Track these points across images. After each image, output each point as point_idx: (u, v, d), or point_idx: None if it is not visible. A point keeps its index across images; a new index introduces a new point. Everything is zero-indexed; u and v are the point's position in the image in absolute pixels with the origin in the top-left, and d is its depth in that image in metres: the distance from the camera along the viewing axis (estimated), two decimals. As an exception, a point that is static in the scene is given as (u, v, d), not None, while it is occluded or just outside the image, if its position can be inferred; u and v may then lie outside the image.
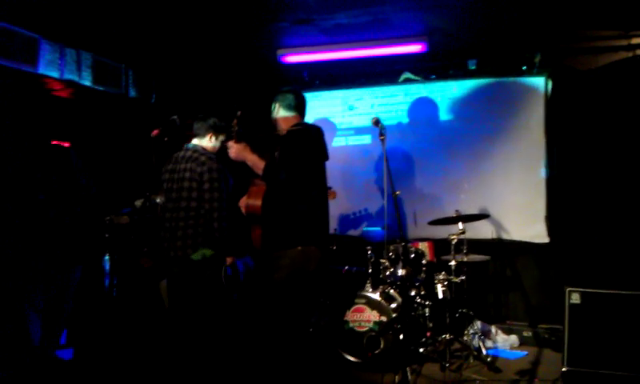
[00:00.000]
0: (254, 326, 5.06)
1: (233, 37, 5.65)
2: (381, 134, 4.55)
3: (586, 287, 4.47)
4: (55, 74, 5.28)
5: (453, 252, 5.18)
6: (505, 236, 5.98)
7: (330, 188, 4.43)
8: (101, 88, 5.77)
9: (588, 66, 5.80)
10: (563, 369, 4.46)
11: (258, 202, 4.07)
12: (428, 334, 5.14)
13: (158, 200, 4.38)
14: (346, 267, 5.77)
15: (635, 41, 5.53)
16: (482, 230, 5.84)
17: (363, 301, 5.00)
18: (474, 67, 6.15)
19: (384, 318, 4.89)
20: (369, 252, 5.34)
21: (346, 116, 6.69)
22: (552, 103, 5.90)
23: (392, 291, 5.14)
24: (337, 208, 6.02)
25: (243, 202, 4.25)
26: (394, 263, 5.29)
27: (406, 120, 6.44)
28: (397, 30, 5.51)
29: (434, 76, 6.38)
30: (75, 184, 4.61)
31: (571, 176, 5.80)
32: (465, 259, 5.20)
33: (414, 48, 5.75)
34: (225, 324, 4.63)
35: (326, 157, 4.04)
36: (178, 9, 4.89)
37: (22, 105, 5.02)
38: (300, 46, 5.94)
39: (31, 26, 4.96)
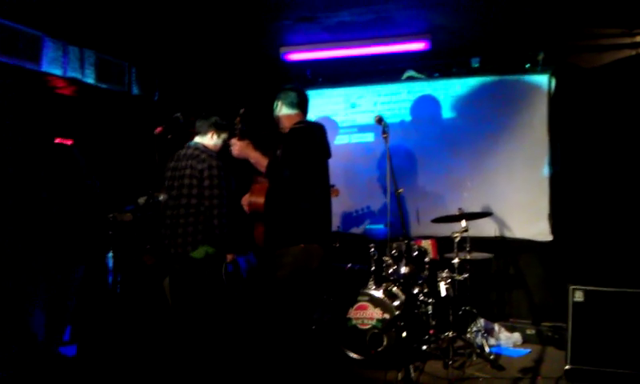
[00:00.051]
0: (257, 324, 5.06)
1: (236, 34, 5.65)
2: (384, 132, 4.56)
3: (590, 285, 4.47)
4: (58, 72, 5.29)
5: (456, 250, 5.17)
6: (508, 234, 5.97)
7: (332, 186, 4.43)
8: (104, 86, 5.78)
9: (592, 64, 5.79)
10: (566, 367, 4.46)
11: (261, 200, 4.07)
12: (431, 331, 5.13)
13: (161, 197, 4.39)
14: (349, 265, 5.77)
15: (639, 39, 5.52)
16: (485, 228, 5.83)
17: (366, 298, 5.00)
18: (477, 65, 6.14)
19: (387, 316, 4.89)
20: (372, 250, 5.33)
21: (348, 114, 6.69)
22: (555, 101, 5.88)
23: (395, 289, 5.14)
24: (339, 206, 6.02)
25: (246, 199, 4.25)
26: (396, 261, 5.29)
27: (408, 118, 6.44)
28: (400, 28, 5.51)
29: (437, 74, 6.37)
30: (78, 183, 4.62)
31: (575, 174, 5.79)
32: (468, 257, 5.19)
33: (417, 46, 5.74)
34: (226, 321, 4.64)
35: (328, 154, 4.05)
36: (181, 6, 4.89)
37: (26, 103, 5.02)
38: (303, 44, 5.94)
39: (34, 23, 4.97)
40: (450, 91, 6.29)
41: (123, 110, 6.10)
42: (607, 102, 5.65)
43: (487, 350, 5.01)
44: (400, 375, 4.38)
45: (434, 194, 6.24)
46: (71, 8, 4.82)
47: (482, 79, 6.18)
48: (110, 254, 5.01)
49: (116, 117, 6.01)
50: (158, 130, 4.24)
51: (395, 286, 5.18)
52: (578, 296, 4.48)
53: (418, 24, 5.42)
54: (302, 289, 3.88)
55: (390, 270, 5.27)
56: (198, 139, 4.52)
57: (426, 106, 6.37)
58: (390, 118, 6.20)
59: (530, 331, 5.59)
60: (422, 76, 6.40)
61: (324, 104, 6.72)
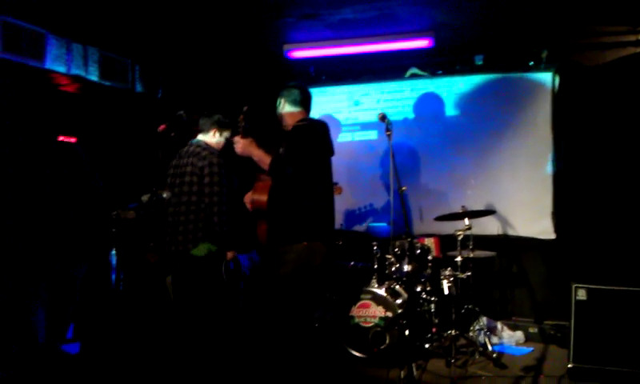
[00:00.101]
0: (260, 321, 5.07)
1: (239, 32, 5.65)
2: (387, 130, 4.55)
3: (593, 284, 4.47)
4: (62, 69, 5.30)
5: (459, 248, 5.17)
6: (511, 232, 5.96)
7: (335, 183, 4.43)
8: (107, 83, 5.79)
9: (595, 62, 5.78)
10: (569, 365, 4.46)
11: (264, 198, 4.07)
12: (434, 329, 5.13)
13: (164, 195, 4.39)
14: (352, 263, 5.77)
15: (643, 36, 5.51)
16: (489, 226, 5.83)
17: (369, 296, 5.00)
18: (480, 63, 6.13)
19: (390, 314, 4.89)
20: (374, 247, 5.33)
21: (352, 111, 6.68)
22: (559, 99, 5.87)
23: (398, 287, 5.14)
24: (342, 203, 6.02)
25: (248, 197, 4.25)
26: (399, 259, 5.29)
27: (412, 115, 6.43)
28: (403, 25, 5.50)
29: (440, 71, 6.36)
30: (81, 181, 4.62)
31: (578, 172, 5.78)
32: (471, 255, 5.19)
33: (420, 43, 5.74)
34: (228, 318, 4.64)
35: (331, 152, 4.04)
36: (185, 4, 4.89)
37: (29, 100, 5.03)
38: (306, 42, 5.94)
39: (38, 21, 4.98)
40: (453, 89, 6.28)
41: (127, 108, 6.11)
42: (611, 99, 5.64)
43: (490, 348, 5.01)
44: (402, 373, 4.38)
45: (437, 192, 6.24)
46: (75, 5, 4.83)
47: (486, 77, 6.17)
48: (114, 252, 5.03)
49: (119, 114, 6.02)
50: (162, 127, 4.24)
51: (398, 284, 5.17)
52: (581, 294, 4.47)
53: (421, 21, 5.42)
54: (305, 286, 3.88)
55: (393, 268, 5.27)
56: (200, 137, 4.54)
57: (429, 104, 6.36)
58: (394, 116, 6.20)
59: (533, 329, 5.59)
60: (426, 73, 6.39)
61: (327, 101, 6.72)
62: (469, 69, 6.20)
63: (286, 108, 4.09)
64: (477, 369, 4.73)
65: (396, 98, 6.51)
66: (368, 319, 4.97)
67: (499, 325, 5.62)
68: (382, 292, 4.98)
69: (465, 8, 5.02)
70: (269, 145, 4.04)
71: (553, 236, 5.82)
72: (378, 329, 4.91)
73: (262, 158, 3.92)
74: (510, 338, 5.48)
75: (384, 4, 4.94)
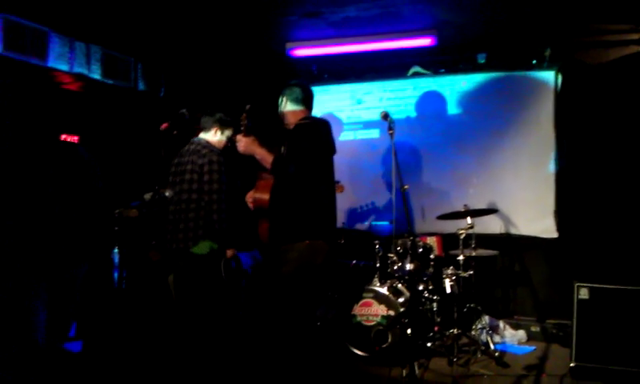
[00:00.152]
0: (262, 320, 5.07)
1: (242, 30, 5.65)
2: (390, 128, 4.55)
3: (595, 282, 4.47)
4: (65, 68, 5.31)
5: (461, 246, 5.17)
6: (513, 231, 5.96)
7: (337, 182, 4.43)
8: (110, 81, 5.79)
9: (598, 60, 5.77)
10: (571, 364, 4.46)
11: (266, 196, 4.07)
12: (436, 328, 5.13)
13: (167, 194, 4.39)
14: (354, 261, 5.77)
15: (646, 35, 5.50)
16: (491, 225, 5.83)
17: (371, 295, 5.00)
18: (483, 61, 6.12)
19: (392, 313, 4.89)
20: (377, 246, 5.34)
21: (354, 110, 6.68)
22: (562, 97, 5.87)
23: (400, 285, 5.14)
24: (344, 202, 6.02)
25: (250, 195, 4.25)
26: (401, 257, 5.29)
27: (414, 114, 6.43)
28: (406, 24, 5.50)
29: (443, 70, 6.35)
30: (84, 182, 4.63)
31: (581, 171, 5.77)
32: (473, 254, 5.19)
33: (423, 42, 5.73)
34: (230, 317, 4.64)
35: (333, 151, 4.04)
36: (187, 2, 4.89)
37: (32, 98, 5.03)
38: (309, 40, 5.94)
39: (41, 19, 4.98)
40: (456, 87, 6.28)
41: (129, 106, 6.11)
42: (614, 98, 5.63)
43: (492, 347, 5.01)
44: (404, 372, 4.38)
45: (439, 191, 6.23)
46: (77, 3, 4.83)
47: (489, 75, 6.16)
48: (116, 250, 5.03)
49: (122, 113, 6.02)
50: (164, 125, 4.24)
51: (400, 282, 5.18)
52: (583, 293, 4.47)
53: (424, 19, 5.41)
54: (307, 285, 3.88)
55: (395, 267, 5.27)
56: (202, 135, 4.56)
57: (431, 102, 6.36)
58: (396, 114, 6.20)
59: (535, 328, 5.58)
60: (428, 72, 6.39)
61: (330, 100, 6.72)
62: (471, 67, 6.20)
63: (288, 106, 4.08)
64: (479, 367, 4.73)
65: (398, 97, 6.50)
66: (370, 318, 4.97)
67: (501, 324, 5.61)
68: (384, 291, 4.98)
69: (467, 6, 5.02)
70: (271, 143, 4.04)
71: (555, 235, 5.81)
72: (380, 327, 4.91)
73: (265, 156, 3.91)
74: (512, 337, 5.48)
75: (387, 2, 4.94)
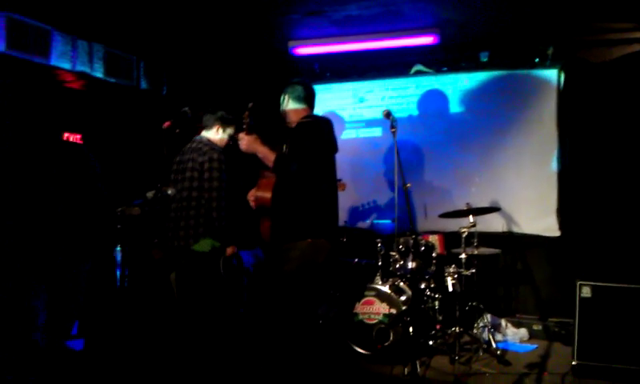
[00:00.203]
0: (264, 318, 5.08)
1: (244, 29, 5.65)
2: (392, 127, 4.54)
3: (597, 281, 4.46)
4: (67, 66, 5.31)
5: (463, 245, 5.17)
6: (516, 229, 5.95)
7: (339, 180, 4.43)
8: (112, 80, 5.80)
9: (601, 59, 5.75)
10: (573, 362, 4.46)
11: (268, 195, 4.07)
12: (438, 326, 5.14)
13: (169, 192, 4.40)
14: (356, 259, 5.77)
15: (649, 33, 5.48)
16: (493, 223, 5.82)
17: (373, 293, 5.01)
18: (485, 59, 6.12)
19: (394, 311, 4.89)
20: (379, 244, 5.33)
21: (356, 108, 6.68)
22: (564, 96, 5.85)
23: (402, 284, 5.14)
24: (346, 200, 6.01)
25: (252, 194, 4.26)
26: (403, 256, 5.28)
27: (416, 112, 6.42)
28: (408, 22, 5.49)
29: (445, 68, 6.35)
30: (87, 181, 4.64)
31: (583, 169, 5.76)
32: (475, 252, 5.18)
33: (425, 40, 5.73)
34: (232, 315, 4.65)
35: (335, 149, 4.04)
36: (190, 1, 4.90)
37: (34, 96, 5.05)
38: (311, 38, 5.94)
39: (44, 17, 4.99)
40: (458, 86, 6.27)
41: (131, 105, 6.12)
42: (617, 96, 5.62)
43: (494, 345, 5.01)
44: (406, 370, 4.39)
45: (441, 189, 6.23)
46: (80, 2, 4.84)
47: (491, 74, 6.16)
48: (118, 248, 5.04)
49: (124, 111, 6.02)
50: (166, 124, 4.24)
51: (402, 281, 5.18)
52: (586, 292, 4.47)
53: (426, 18, 5.40)
54: (309, 283, 3.88)
55: (397, 265, 5.26)
56: (204, 133, 4.57)
57: (434, 101, 6.36)
58: (398, 113, 6.19)
59: (537, 327, 5.58)
60: (431, 70, 6.38)
61: (332, 98, 6.72)
62: (474, 65, 6.19)
63: (289, 105, 4.08)
64: (481, 366, 4.74)
65: (401, 95, 6.50)
66: (372, 316, 4.97)
67: (503, 322, 5.61)
68: (386, 289, 4.98)
69: (470, 4, 5.01)
70: (273, 142, 4.04)
71: (557, 233, 5.81)
72: (382, 326, 4.91)
73: (267, 154, 3.91)
74: (514, 335, 5.48)
75: (388, 0, 4.93)
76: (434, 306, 5.17)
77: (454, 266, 5.28)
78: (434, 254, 5.37)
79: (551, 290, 5.88)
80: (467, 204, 5.22)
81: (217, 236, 4.29)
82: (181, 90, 6.61)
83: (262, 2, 4.96)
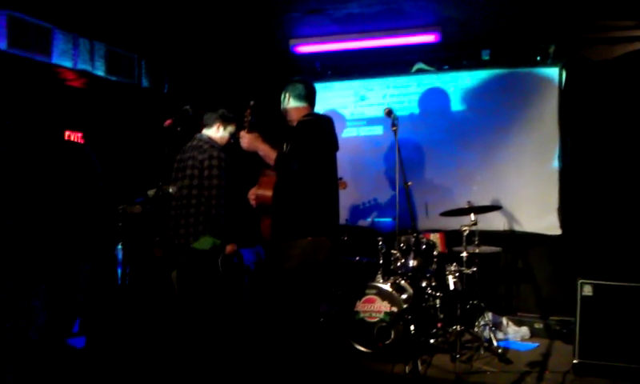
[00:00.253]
0: (265, 316, 5.08)
1: (245, 27, 5.65)
2: (393, 125, 4.55)
3: (599, 279, 4.46)
4: (69, 64, 5.32)
5: (464, 243, 5.16)
6: (517, 227, 5.95)
7: (340, 178, 4.43)
8: (114, 78, 5.81)
9: (603, 57, 5.73)
10: (574, 361, 4.45)
11: (269, 193, 4.07)
12: (439, 325, 5.13)
13: (170, 190, 4.42)
14: (357, 258, 5.77)
15: (651, 31, 5.47)
16: (494, 222, 5.82)
17: (374, 291, 5.01)
18: (487, 58, 6.11)
19: (395, 309, 4.89)
20: (380, 243, 5.33)
21: (357, 106, 6.68)
22: (566, 94, 5.85)
23: (403, 282, 5.14)
24: (347, 198, 6.02)
25: (253, 192, 4.26)
26: (405, 254, 5.28)
27: (418, 111, 6.42)
28: (410, 20, 5.48)
29: (446, 66, 6.34)
30: (88, 181, 4.65)
31: (585, 168, 5.75)
32: (476, 250, 5.18)
33: (427, 38, 5.72)
34: (232, 313, 4.65)
35: (336, 147, 4.04)
36: (191, -1, 4.91)
37: (36, 94, 5.05)
38: (312, 36, 5.94)
39: (45, 15, 5.00)
40: (459, 84, 6.27)
41: (133, 103, 6.12)
42: (618, 95, 5.61)
43: (495, 343, 5.00)
44: (407, 368, 4.39)
45: (442, 187, 6.23)
46: (81, 0, 4.84)
47: (493, 72, 6.15)
48: (120, 246, 5.05)
49: (126, 109, 6.03)
50: (168, 122, 4.25)
51: (403, 279, 5.18)
52: (587, 290, 4.46)
53: (428, 16, 5.40)
54: (310, 281, 3.88)
55: (398, 264, 5.26)
56: (204, 131, 4.58)
57: (435, 99, 6.35)
58: (400, 111, 6.16)
59: (538, 325, 5.58)
60: (432, 68, 6.38)
61: (333, 97, 6.71)
62: (475, 64, 6.19)
63: (290, 103, 4.08)
64: (482, 364, 4.73)
65: (402, 93, 6.50)
66: (373, 314, 4.97)
67: (504, 320, 5.61)
68: (387, 287, 4.98)
69: (471, 2, 5.00)
70: (274, 140, 4.04)
71: (559, 232, 5.80)
72: (383, 324, 4.91)
73: (268, 153, 3.91)
74: (515, 334, 5.48)
75: (390, -1, 4.94)
76: (435, 304, 5.17)
77: (455, 264, 5.27)
78: (435, 253, 5.37)
79: (552, 289, 5.88)
80: (468, 202, 5.22)
81: (217, 234, 4.29)
82: (182, 88, 6.62)
83: (264, 1, 4.96)
